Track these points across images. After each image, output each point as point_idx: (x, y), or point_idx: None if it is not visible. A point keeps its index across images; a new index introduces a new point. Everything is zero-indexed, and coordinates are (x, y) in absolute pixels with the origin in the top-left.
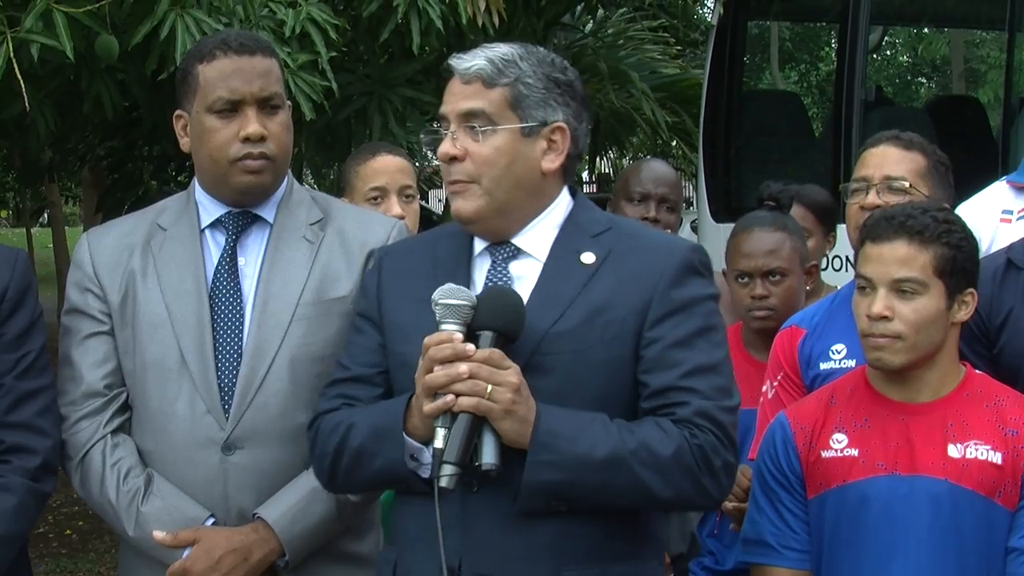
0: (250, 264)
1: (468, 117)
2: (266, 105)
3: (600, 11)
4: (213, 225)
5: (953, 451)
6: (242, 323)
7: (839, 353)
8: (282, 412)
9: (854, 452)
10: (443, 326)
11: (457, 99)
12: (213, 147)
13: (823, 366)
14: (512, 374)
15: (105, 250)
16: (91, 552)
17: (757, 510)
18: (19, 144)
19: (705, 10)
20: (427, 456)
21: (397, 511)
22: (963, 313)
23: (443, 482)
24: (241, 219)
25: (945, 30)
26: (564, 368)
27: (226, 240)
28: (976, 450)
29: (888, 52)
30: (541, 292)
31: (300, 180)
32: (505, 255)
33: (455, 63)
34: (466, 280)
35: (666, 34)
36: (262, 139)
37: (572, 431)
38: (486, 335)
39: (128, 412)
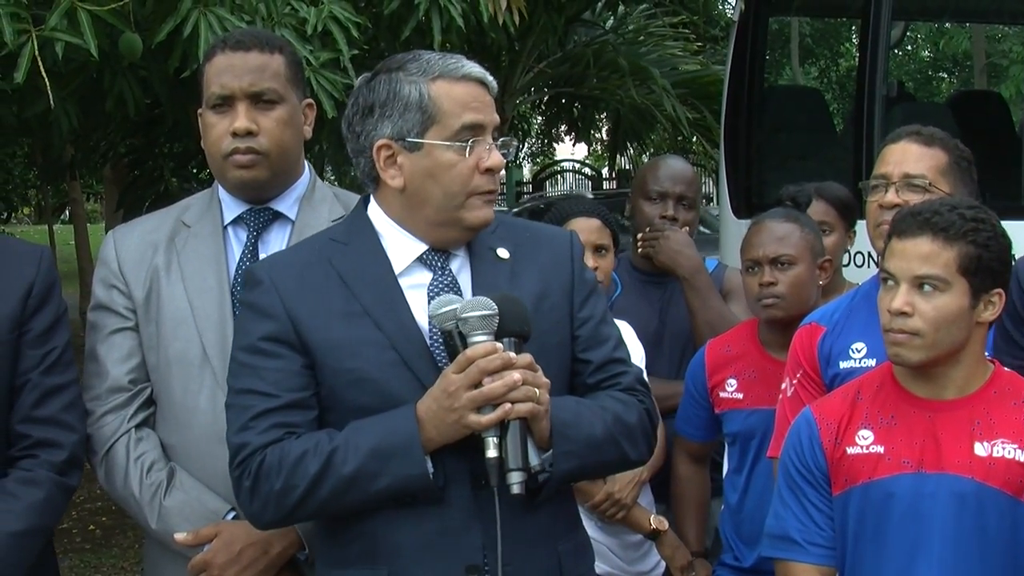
0: None
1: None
2: (259, 100)
3: (621, 7)
4: (235, 222)
5: (979, 449)
6: None
7: (859, 352)
8: None
9: (880, 449)
10: (475, 337)
11: (491, 110)
12: (210, 142)
13: (843, 364)
14: (542, 375)
15: (130, 247)
16: (115, 547)
17: (783, 505)
18: (42, 141)
19: (726, 6)
20: (429, 466)
21: (381, 528)
22: (989, 313)
23: (515, 489)
24: (262, 216)
25: (967, 25)
26: (532, 356)
27: (248, 237)
28: (1003, 448)
29: (910, 47)
30: (482, 288)
31: (321, 177)
32: (441, 260)
33: (474, 71)
34: (400, 291)
35: (686, 30)
36: (249, 133)
37: (573, 418)
38: (507, 341)
39: (152, 407)
